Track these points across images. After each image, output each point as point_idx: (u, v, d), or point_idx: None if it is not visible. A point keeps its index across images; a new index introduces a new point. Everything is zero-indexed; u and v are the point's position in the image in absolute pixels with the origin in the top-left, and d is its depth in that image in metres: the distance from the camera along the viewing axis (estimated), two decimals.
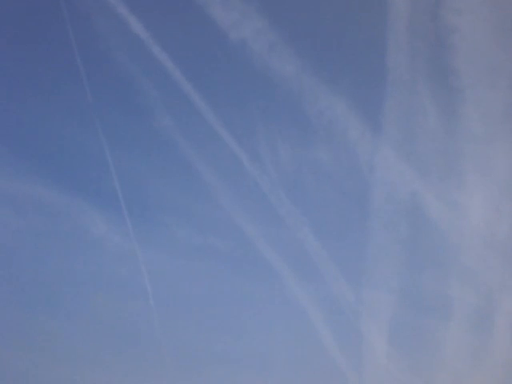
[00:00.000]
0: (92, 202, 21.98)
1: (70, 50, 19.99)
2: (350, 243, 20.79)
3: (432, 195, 19.21)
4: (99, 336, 19.40)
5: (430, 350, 18.80)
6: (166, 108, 20.24)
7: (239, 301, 20.44)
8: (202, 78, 21.15)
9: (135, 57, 21.18)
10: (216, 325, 20.14)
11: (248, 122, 20.31)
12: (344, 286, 19.37)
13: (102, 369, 18.72)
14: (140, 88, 21.09)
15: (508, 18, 19.14)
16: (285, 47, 19.66)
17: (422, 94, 19.58)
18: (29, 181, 20.46)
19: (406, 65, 19.66)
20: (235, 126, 20.72)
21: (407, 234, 19.64)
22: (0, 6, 19.49)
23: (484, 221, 19.40)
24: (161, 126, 20.54)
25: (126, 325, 19.85)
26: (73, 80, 21.04)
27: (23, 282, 19.43)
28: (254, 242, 20.27)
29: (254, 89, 20.45)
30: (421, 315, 19.18)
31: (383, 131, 19.39)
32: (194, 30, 20.42)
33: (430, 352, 18.85)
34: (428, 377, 18.84)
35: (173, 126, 19.95)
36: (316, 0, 19.88)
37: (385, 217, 19.49)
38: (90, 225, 21.04)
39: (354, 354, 18.37)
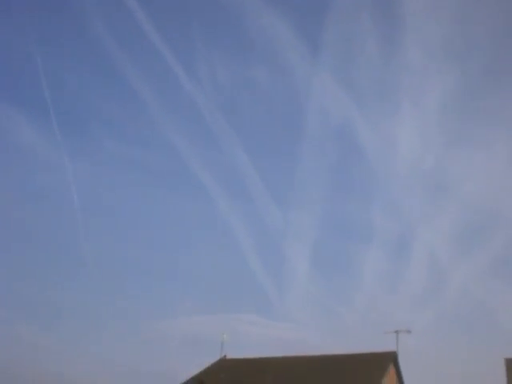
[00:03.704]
0: (20, 110, 21.17)
1: None
2: (281, 165, 21.07)
3: (364, 123, 19.59)
4: (24, 246, 19.17)
5: (349, 272, 19.63)
6: (101, 15, 19.35)
7: (168, 215, 20.56)
8: None
9: None
10: (143, 238, 20.25)
11: (186, 33, 19.80)
12: (272, 207, 19.78)
13: (27, 279, 18.59)
14: None
15: None
16: None
17: (364, 20, 19.54)
18: None
19: None
20: (173, 38, 20.12)
21: (337, 160, 20.08)
22: None
23: (412, 152, 20.01)
24: (95, 33, 19.66)
25: (51, 234, 19.64)
26: None
27: None
28: (185, 159, 20.20)
29: (195, 2, 19.79)
30: (343, 240, 19.92)
31: (322, 55, 19.40)
32: None
33: (350, 274, 19.68)
34: (346, 298, 19.73)
35: (108, 34, 19.18)
36: None
37: (317, 141, 19.82)
38: (18, 133, 20.37)
39: (277, 272, 18.99)
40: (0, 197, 20.15)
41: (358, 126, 19.66)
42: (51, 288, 19.48)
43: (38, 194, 20.90)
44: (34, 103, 21.02)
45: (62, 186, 20.71)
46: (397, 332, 12.15)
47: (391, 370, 11.71)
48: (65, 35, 20.52)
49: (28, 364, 16.70)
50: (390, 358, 11.77)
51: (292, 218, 19.67)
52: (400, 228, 20.23)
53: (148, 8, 18.95)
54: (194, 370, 12.49)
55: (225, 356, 13.14)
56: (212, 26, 19.45)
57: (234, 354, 12.84)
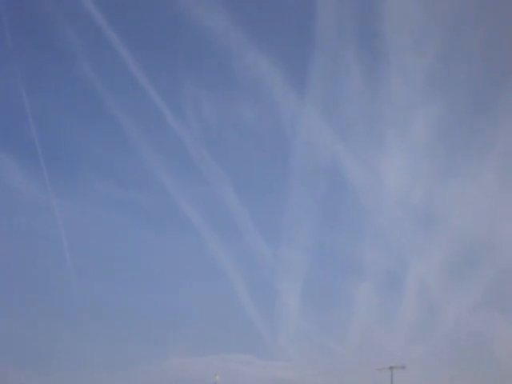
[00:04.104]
0: (8, 150, 21.24)
1: None
2: (270, 202, 20.99)
3: (351, 157, 19.65)
4: (13, 288, 19.05)
5: (341, 307, 19.39)
6: (88, 56, 19.58)
7: (158, 255, 20.36)
8: (129, 28, 20.51)
9: (58, 1, 20.23)
10: (134, 279, 20.04)
11: (173, 75, 19.92)
12: (262, 244, 19.65)
13: (17, 320, 18.44)
14: (62, 34, 20.24)
15: None
16: (215, 2, 19.29)
17: (348, 57, 19.78)
18: None
19: (333, 27, 19.75)
20: (160, 79, 20.30)
21: (325, 195, 20.04)
22: None
23: (400, 185, 20.07)
24: (83, 74, 19.84)
25: (40, 277, 19.55)
26: None
27: None
28: (174, 197, 20.16)
29: (181, 42, 20.05)
30: (334, 274, 19.71)
31: (307, 92, 19.52)
32: None
33: (342, 310, 19.45)
34: (339, 333, 19.50)
35: (95, 75, 19.36)
36: None
37: (304, 177, 19.83)
38: (6, 173, 20.43)
39: (269, 310, 18.77)
40: None
41: (345, 161, 19.75)
42: (39, 330, 19.25)
43: (25, 235, 20.89)
44: (22, 143, 21.14)
45: (51, 227, 20.62)
46: (391, 368, 12.01)
47: None
48: (53, 78, 20.67)
49: None
50: None
51: (282, 254, 19.56)
52: (391, 261, 20.14)
53: (135, 49, 19.19)
54: None
55: None
56: (198, 67, 19.68)
57: None
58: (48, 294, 19.37)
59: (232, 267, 19.69)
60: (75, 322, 18.15)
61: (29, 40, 20.47)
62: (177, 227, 20.30)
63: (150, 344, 18.66)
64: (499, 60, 20.26)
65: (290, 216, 19.52)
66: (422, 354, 17.16)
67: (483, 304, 18.37)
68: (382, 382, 11.71)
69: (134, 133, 19.54)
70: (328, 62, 19.65)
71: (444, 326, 18.04)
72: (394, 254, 19.37)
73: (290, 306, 18.54)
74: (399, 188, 19.59)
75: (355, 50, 19.54)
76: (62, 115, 20.07)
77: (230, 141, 20.86)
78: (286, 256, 19.20)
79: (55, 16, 20.50)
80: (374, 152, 20.00)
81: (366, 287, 19.04)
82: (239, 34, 19.55)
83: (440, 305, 18.57)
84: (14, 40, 19.40)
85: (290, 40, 20.33)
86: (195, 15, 19.91)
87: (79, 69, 19.79)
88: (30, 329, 18.33)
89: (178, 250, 20.09)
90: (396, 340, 18.18)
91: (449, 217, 19.41)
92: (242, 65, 20.06)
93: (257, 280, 19.37)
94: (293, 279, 18.99)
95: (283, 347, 18.35)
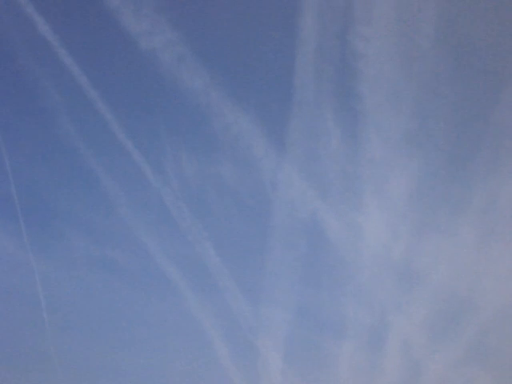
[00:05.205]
0: None
1: None
2: (250, 260, 20.87)
3: (331, 215, 19.67)
4: None
5: (324, 367, 19.09)
6: (68, 114, 19.66)
7: (136, 315, 19.97)
8: (109, 86, 20.68)
9: (40, 59, 20.45)
10: (111, 339, 19.58)
11: (153, 133, 20.07)
12: (242, 303, 19.39)
13: None
14: (43, 92, 20.34)
15: (413, 47, 19.98)
16: (194, 60, 19.59)
17: (327, 115, 20.07)
18: None
19: (312, 86, 20.11)
20: (140, 137, 20.42)
21: (306, 253, 19.96)
22: None
23: (380, 242, 20.07)
24: (62, 132, 19.90)
25: (17, 337, 19.01)
26: None
27: None
28: (153, 255, 19.94)
29: (161, 100, 20.25)
30: (316, 333, 19.48)
31: (287, 150, 19.71)
32: (103, 36, 19.95)
33: (325, 370, 19.14)
34: None
35: (75, 133, 19.38)
36: (228, 17, 20.01)
37: (285, 235, 19.76)
38: None
39: (250, 371, 18.37)
40: None
41: (324, 218, 19.77)
42: None
43: (1, 293, 20.42)
44: (1, 202, 20.91)
45: (28, 286, 20.21)
46: None
47: None
48: (33, 135, 20.66)
49: None
50: None
51: (263, 313, 19.29)
52: (373, 318, 19.96)
53: (116, 108, 19.33)
54: None
55: None
56: (179, 125, 19.81)
57: None
58: (24, 352, 18.88)
59: (211, 326, 19.38)
60: (51, 381, 17.66)
61: (8, 96, 20.58)
62: (155, 285, 20.04)
63: None
64: (474, 117, 20.66)
65: (271, 274, 19.37)
66: None
67: (466, 361, 18.24)
68: None
69: (114, 191, 19.48)
70: (307, 121, 19.94)
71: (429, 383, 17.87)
72: (375, 311, 19.25)
73: (271, 365, 18.21)
74: (379, 245, 19.62)
75: (333, 109, 19.87)
76: (41, 173, 20.00)
77: (210, 199, 20.88)
78: (267, 315, 18.96)
79: (36, 73, 20.63)
80: (353, 209, 20.13)
81: (348, 345, 18.82)
82: (219, 93, 19.81)
83: (423, 362, 18.39)
84: None
85: (269, 99, 20.65)
86: (176, 74, 20.15)
87: (59, 127, 19.87)
88: None
89: (156, 308, 19.78)
90: None
91: (429, 273, 19.40)
92: (222, 123, 20.28)
93: (237, 339, 19.06)
94: (274, 338, 18.71)
95: None
